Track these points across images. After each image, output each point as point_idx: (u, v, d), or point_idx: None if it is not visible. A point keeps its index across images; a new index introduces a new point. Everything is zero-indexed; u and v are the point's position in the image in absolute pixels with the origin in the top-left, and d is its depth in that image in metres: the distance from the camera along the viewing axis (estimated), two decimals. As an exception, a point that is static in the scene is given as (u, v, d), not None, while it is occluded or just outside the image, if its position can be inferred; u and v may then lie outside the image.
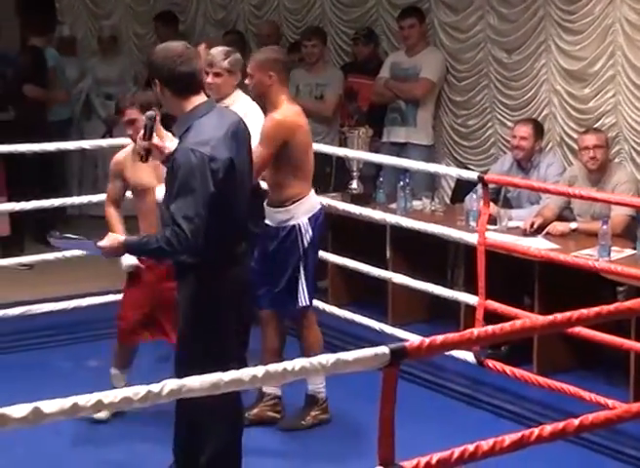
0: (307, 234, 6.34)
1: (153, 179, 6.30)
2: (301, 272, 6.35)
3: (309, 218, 6.37)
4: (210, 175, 4.89)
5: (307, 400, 6.45)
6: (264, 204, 6.44)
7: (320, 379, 6.27)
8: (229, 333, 5.27)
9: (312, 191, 6.58)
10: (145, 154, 5.21)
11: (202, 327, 5.18)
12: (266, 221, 6.38)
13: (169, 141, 5.50)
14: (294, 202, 6.32)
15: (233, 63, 6.73)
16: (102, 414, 6.04)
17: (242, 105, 6.70)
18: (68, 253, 8.05)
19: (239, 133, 5.16)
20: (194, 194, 4.89)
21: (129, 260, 6.38)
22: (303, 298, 6.39)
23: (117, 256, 5.65)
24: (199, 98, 5.08)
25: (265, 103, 6.40)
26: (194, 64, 5.10)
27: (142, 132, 5.28)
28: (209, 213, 4.89)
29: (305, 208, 6.39)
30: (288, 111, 6.34)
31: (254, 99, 6.72)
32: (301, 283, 6.37)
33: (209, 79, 6.63)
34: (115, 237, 5.31)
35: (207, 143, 4.93)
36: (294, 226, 6.28)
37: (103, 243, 5.22)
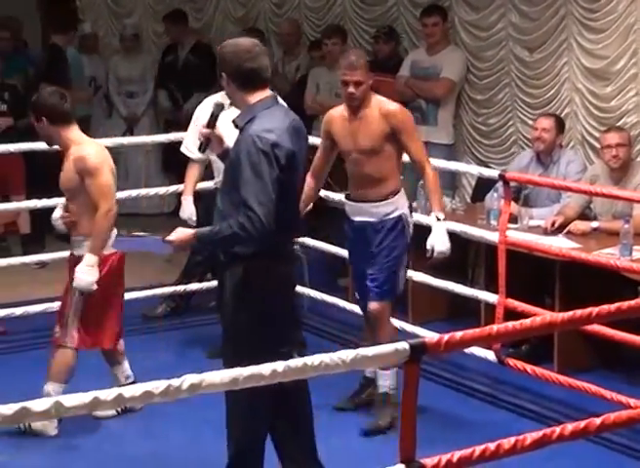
0: (411, 223, 6.36)
1: None
2: (404, 261, 6.39)
3: (408, 208, 6.41)
4: (275, 161, 4.94)
5: (383, 399, 6.31)
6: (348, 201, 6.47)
7: (392, 379, 6.20)
8: (276, 326, 5.22)
9: None
10: (205, 143, 5.28)
11: (248, 321, 5.16)
12: (360, 218, 6.35)
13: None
14: (396, 193, 6.30)
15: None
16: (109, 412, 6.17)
17: None
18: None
19: (300, 129, 5.23)
20: (263, 179, 4.92)
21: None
22: (400, 288, 6.43)
23: (186, 250, 5.65)
24: (264, 93, 5.12)
25: (362, 104, 6.37)
26: (261, 61, 5.15)
27: (208, 119, 5.36)
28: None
29: (404, 198, 6.39)
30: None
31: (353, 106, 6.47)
32: (403, 272, 6.43)
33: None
34: (184, 230, 5.23)
35: (271, 131, 4.96)
36: (400, 217, 6.27)
37: (173, 237, 5.15)
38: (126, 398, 3.29)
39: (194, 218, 7.12)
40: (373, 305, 6.24)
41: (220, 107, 5.41)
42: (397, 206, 6.29)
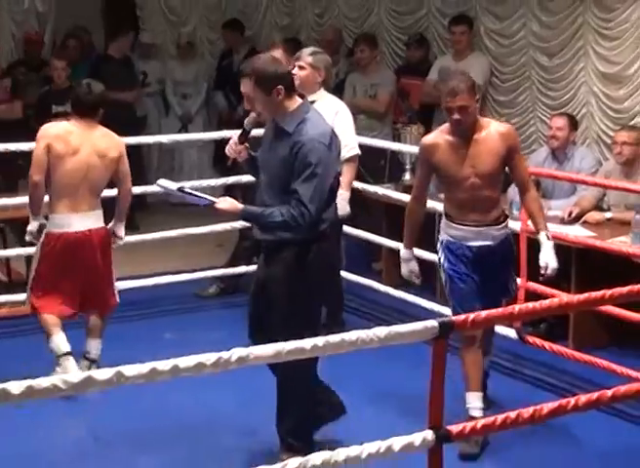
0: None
1: None
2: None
3: None
4: (328, 162, 5.12)
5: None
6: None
7: (477, 400, 5.65)
8: (319, 304, 5.54)
9: None
10: (234, 158, 5.43)
11: (297, 297, 5.29)
12: (481, 242, 5.84)
13: None
14: (507, 216, 6.07)
15: (317, 60, 6.62)
16: None
17: (330, 103, 6.67)
18: (149, 236, 8.19)
19: (332, 130, 5.34)
20: (320, 179, 5.07)
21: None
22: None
23: (227, 218, 5.62)
24: (299, 99, 5.19)
25: (473, 128, 5.77)
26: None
27: (240, 133, 5.41)
28: None
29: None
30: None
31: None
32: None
33: (294, 70, 6.52)
34: (234, 202, 5.32)
35: (325, 135, 5.14)
36: (507, 235, 5.98)
37: (222, 205, 5.25)
38: (181, 368, 3.32)
39: None
40: None
41: (253, 125, 5.45)
42: (507, 226, 6.03)
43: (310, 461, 3.61)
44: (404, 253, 6.05)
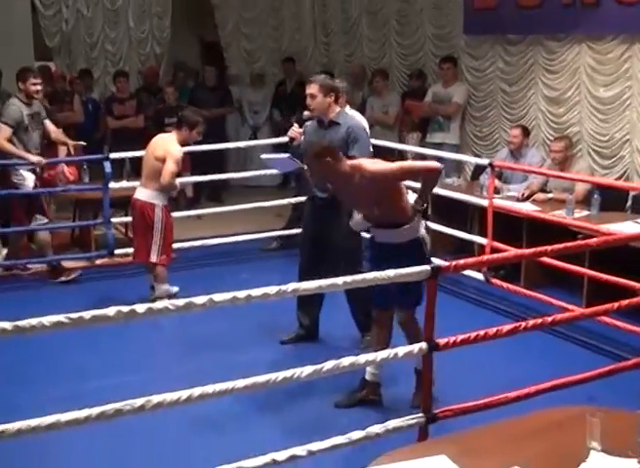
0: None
1: None
2: None
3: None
4: (367, 138, 5.50)
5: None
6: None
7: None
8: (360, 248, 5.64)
9: None
10: (292, 139, 5.68)
11: (358, 240, 5.52)
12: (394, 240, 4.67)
13: None
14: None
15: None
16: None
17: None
18: (231, 208, 8.20)
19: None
20: (366, 150, 5.34)
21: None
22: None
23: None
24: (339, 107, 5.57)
25: None
26: None
27: (300, 120, 5.64)
28: None
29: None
30: None
31: None
32: None
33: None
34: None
35: (362, 123, 5.64)
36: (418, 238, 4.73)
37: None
38: (253, 296, 3.28)
39: None
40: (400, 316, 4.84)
41: (307, 118, 5.55)
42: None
43: (342, 363, 3.56)
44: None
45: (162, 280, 6.47)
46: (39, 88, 7.16)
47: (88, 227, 8.06)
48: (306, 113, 5.68)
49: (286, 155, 5.70)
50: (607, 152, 7.64)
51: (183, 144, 6.53)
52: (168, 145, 6.39)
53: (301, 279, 5.30)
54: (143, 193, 6.43)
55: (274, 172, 8.42)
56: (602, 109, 7.64)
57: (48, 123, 7.38)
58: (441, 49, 9.40)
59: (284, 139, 7.77)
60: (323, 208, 5.52)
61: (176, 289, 6.50)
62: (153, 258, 6.45)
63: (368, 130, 5.73)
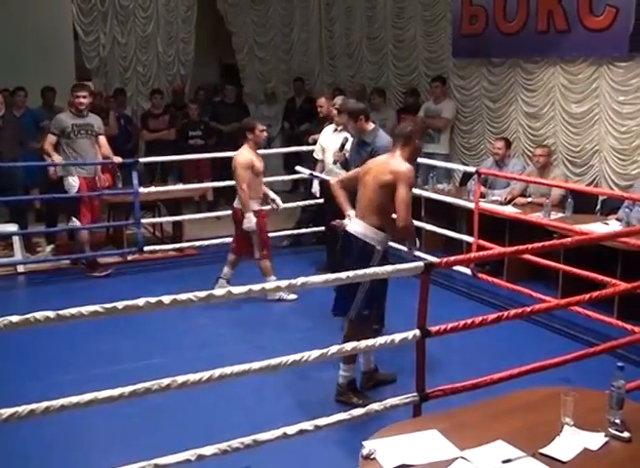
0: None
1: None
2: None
3: None
4: None
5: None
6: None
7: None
8: None
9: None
10: (337, 159, 5.82)
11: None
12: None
13: None
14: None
15: (350, 111, 5.72)
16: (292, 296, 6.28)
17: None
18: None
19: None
20: None
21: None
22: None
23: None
24: (372, 124, 5.51)
25: None
26: None
27: (340, 146, 5.81)
28: None
29: None
30: None
31: None
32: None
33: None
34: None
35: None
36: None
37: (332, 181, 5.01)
38: (267, 289, 3.27)
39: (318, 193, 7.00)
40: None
41: (346, 140, 5.54)
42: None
43: (346, 347, 3.55)
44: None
45: (267, 272, 6.41)
46: (83, 101, 7.15)
47: (120, 227, 8.06)
48: (344, 139, 5.72)
49: (308, 171, 6.11)
50: (579, 161, 7.62)
51: (258, 148, 6.62)
52: (236, 157, 6.53)
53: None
54: (237, 202, 6.47)
55: (285, 178, 8.46)
56: (574, 123, 7.61)
57: (102, 138, 7.35)
58: (432, 70, 9.37)
59: (293, 149, 7.83)
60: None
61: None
62: (256, 255, 6.45)
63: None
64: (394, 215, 4.38)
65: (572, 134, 7.64)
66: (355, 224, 4.46)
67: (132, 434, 4.26)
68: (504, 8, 8.05)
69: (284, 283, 3.26)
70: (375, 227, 4.41)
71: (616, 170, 7.26)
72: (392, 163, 4.39)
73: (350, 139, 5.80)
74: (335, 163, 5.63)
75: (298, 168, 6.25)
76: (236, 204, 6.47)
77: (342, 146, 5.71)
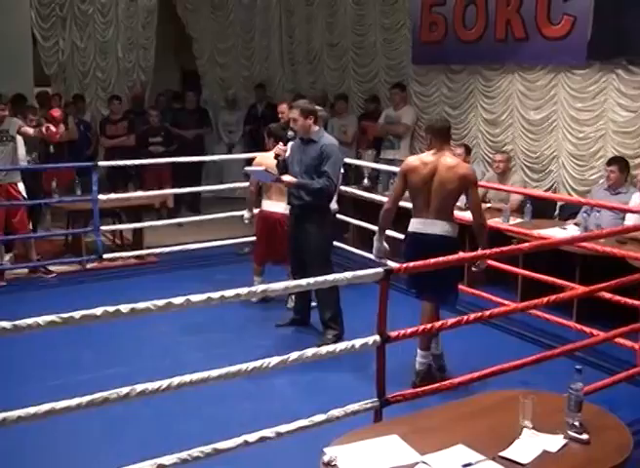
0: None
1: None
2: None
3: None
4: (339, 156, 5.53)
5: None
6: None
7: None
8: (331, 249, 5.81)
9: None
10: (277, 156, 5.64)
11: (326, 243, 5.60)
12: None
13: None
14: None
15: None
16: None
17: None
18: (208, 217, 8.11)
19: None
20: (337, 166, 5.47)
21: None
22: None
23: (286, 186, 5.68)
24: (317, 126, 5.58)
25: None
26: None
27: (285, 141, 5.69)
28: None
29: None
30: None
31: None
32: None
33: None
34: (292, 178, 5.48)
35: (335, 142, 5.60)
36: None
37: (285, 178, 5.48)
38: (226, 297, 3.25)
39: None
40: None
41: (293, 136, 5.56)
42: None
43: (305, 354, 3.54)
44: (377, 242, 5.08)
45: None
46: None
47: (79, 235, 7.96)
48: (290, 133, 5.70)
49: (262, 168, 5.85)
50: (537, 167, 7.71)
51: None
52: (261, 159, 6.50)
53: (293, 276, 5.53)
54: (278, 206, 6.39)
55: (247, 184, 8.43)
56: (532, 130, 7.71)
57: (24, 130, 7.19)
58: (392, 77, 9.44)
59: (254, 155, 7.80)
60: (297, 213, 5.59)
61: None
62: None
63: (339, 149, 5.65)
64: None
65: (530, 140, 7.73)
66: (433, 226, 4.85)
67: (91, 444, 4.20)
68: (463, 16, 8.14)
69: (244, 290, 3.25)
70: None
71: (574, 175, 7.36)
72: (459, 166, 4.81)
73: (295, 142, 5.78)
74: (276, 158, 5.61)
75: (246, 168, 6.19)
76: (278, 208, 6.37)
77: (287, 141, 5.71)
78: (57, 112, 7.46)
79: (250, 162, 7.04)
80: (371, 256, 6.92)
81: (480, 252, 4.25)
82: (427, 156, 4.91)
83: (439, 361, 5.04)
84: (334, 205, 6.34)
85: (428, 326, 3.89)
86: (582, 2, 6.90)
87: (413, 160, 4.99)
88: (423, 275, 4.38)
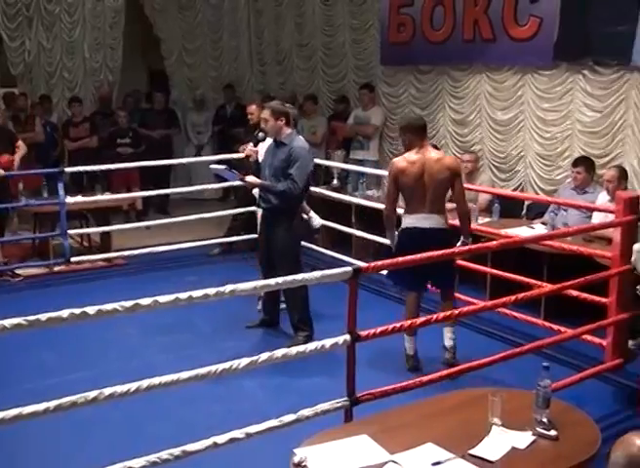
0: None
1: None
2: None
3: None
4: (309, 160, 5.46)
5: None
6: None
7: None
8: (300, 250, 5.74)
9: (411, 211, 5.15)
10: (247, 156, 5.75)
11: (294, 244, 5.56)
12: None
13: None
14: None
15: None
16: None
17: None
18: (177, 219, 8.06)
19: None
20: (305, 169, 5.37)
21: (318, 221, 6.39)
22: None
23: (250, 187, 5.76)
24: (289, 129, 5.50)
25: None
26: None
27: (255, 141, 5.76)
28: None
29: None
30: None
31: None
32: None
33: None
34: (255, 178, 5.49)
35: (306, 146, 5.52)
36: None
37: (249, 179, 5.49)
38: (194, 298, 3.22)
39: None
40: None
41: (263, 138, 5.56)
42: None
43: (275, 354, 3.53)
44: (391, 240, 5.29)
45: None
46: None
47: (46, 238, 7.88)
48: (261, 134, 5.72)
49: (225, 166, 5.91)
50: (505, 167, 7.78)
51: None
52: None
53: (264, 277, 5.41)
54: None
55: (216, 186, 8.42)
56: (500, 130, 7.77)
57: None
58: (361, 77, 9.46)
59: (225, 157, 7.79)
60: (266, 216, 5.59)
61: None
62: None
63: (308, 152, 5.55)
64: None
65: (498, 140, 7.79)
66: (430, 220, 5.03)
67: (61, 448, 4.15)
68: (431, 17, 8.18)
69: (212, 290, 3.23)
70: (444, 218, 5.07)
71: (541, 175, 7.43)
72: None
73: (268, 142, 5.77)
74: (247, 158, 5.65)
75: (212, 166, 6.16)
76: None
77: (257, 142, 5.72)
78: (4, 159, 7.41)
79: (219, 162, 7.01)
80: (341, 257, 6.94)
81: (447, 251, 4.26)
82: (412, 155, 5.03)
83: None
84: (317, 221, 6.34)
85: (398, 325, 3.89)
86: (549, 3, 6.97)
87: (399, 162, 5.08)
88: (428, 267, 4.46)
